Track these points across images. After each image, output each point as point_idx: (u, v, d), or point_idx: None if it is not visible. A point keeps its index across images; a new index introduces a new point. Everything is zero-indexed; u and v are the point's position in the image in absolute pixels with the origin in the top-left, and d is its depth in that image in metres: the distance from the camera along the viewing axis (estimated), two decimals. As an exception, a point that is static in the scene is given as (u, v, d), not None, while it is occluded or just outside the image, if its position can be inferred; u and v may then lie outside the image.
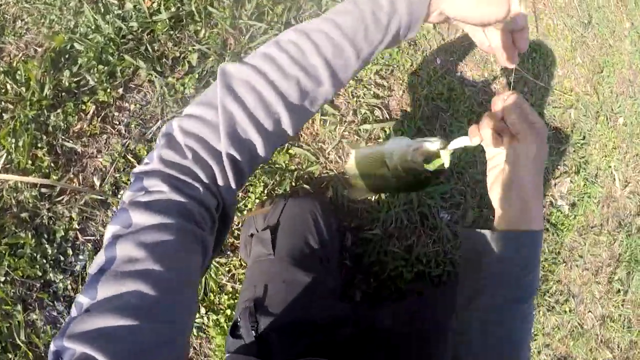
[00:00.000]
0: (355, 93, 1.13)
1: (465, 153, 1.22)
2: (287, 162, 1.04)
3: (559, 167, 1.42)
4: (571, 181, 1.41)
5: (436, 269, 1.15)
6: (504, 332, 0.44)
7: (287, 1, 1.12)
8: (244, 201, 1.01)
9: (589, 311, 1.39)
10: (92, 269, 0.30)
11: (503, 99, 0.45)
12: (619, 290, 1.43)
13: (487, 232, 0.45)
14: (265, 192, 1.01)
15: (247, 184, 1.03)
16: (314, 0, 1.13)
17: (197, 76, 1.06)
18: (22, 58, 1.05)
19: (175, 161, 0.33)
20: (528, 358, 0.46)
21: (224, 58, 1.08)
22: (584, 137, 1.46)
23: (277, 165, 1.04)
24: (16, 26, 1.08)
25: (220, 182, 0.34)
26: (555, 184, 1.41)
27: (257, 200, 0.99)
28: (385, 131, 1.13)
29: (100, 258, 0.30)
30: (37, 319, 1.02)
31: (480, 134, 0.45)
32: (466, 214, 1.20)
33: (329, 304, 0.73)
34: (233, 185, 0.35)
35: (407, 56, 1.23)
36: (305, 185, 1.04)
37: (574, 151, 1.44)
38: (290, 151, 1.04)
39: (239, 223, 1.01)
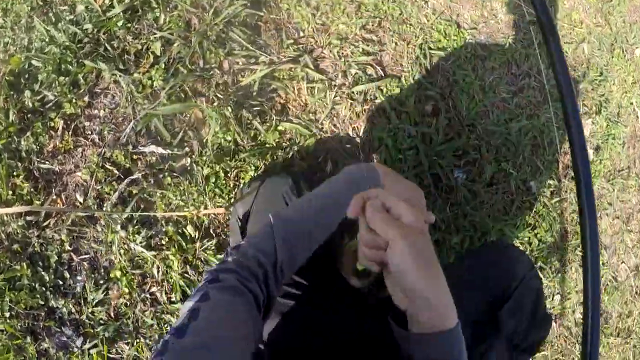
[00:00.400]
0: (342, 53, 1.00)
1: (474, 102, 1.09)
2: (277, 140, 0.94)
3: (579, 106, 1.26)
4: (593, 123, 1.26)
5: (456, 235, 1.04)
6: None
7: (248, -36, 0.99)
8: (235, 189, 0.92)
9: (622, 262, 1.26)
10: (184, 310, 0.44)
11: (360, 210, 0.44)
12: (655, 235, 1.28)
13: (406, 334, 0.44)
14: (256, 175, 0.91)
15: (237, 170, 0.93)
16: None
17: (163, 66, 0.96)
18: (-19, 87, 0.97)
19: (243, 263, 0.49)
20: None
21: (190, 40, 0.97)
22: (601, 73, 1.29)
23: (267, 145, 0.93)
24: (-30, 55, 1.00)
25: (269, 280, 0.50)
26: (578, 124, 1.25)
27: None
28: (381, 90, 1.00)
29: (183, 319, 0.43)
30: (48, 347, 0.98)
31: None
32: (484, 170, 1.07)
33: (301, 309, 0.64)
34: (276, 284, 0.51)
35: (394, 4, 1.09)
36: (300, 162, 0.93)
37: (592, 89, 1.27)
38: (279, 127, 0.94)
39: (229, 214, 0.92)
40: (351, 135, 0.99)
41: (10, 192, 0.97)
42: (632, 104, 1.35)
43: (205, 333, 0.40)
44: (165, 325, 0.96)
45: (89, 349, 0.97)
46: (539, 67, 1.20)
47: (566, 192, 1.19)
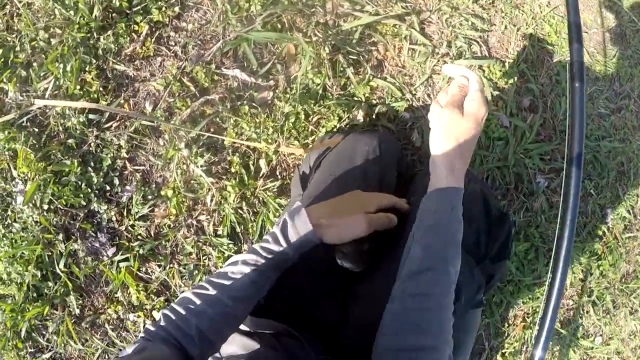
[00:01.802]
0: (451, 22, 0.94)
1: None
2: (367, 94, 0.88)
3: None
4: None
5: (524, 242, 0.97)
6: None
7: None
8: (313, 136, 0.86)
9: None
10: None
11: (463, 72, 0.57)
12: None
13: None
14: (338, 127, 0.85)
15: (319, 116, 0.87)
16: None
17: (266, -10, 0.91)
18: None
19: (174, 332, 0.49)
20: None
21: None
22: None
23: (355, 98, 0.88)
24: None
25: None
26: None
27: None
28: (483, 70, 0.93)
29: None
30: (78, 249, 0.94)
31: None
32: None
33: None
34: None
35: (512, -13, 1.01)
36: (386, 123, 0.87)
37: None
38: (371, 83, 0.88)
39: (301, 159, 0.87)
40: (443, 109, 0.92)
41: (78, 87, 0.93)
42: None
43: None
44: (204, 258, 0.92)
45: (119, 262, 0.93)
46: (641, 91, 1.12)
47: (639, 230, 1.11)
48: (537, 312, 1.01)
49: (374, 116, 0.87)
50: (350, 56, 0.88)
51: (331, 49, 0.88)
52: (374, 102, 0.88)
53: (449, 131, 0.53)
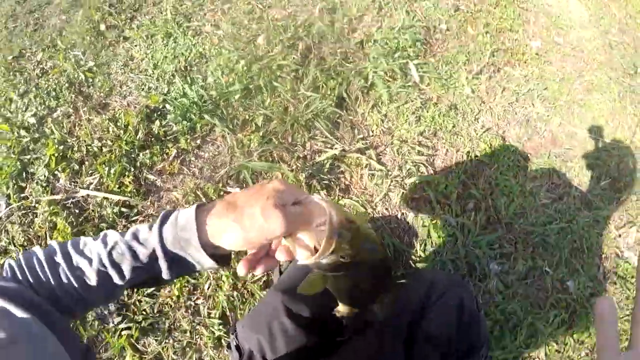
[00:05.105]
0: (401, 151, 1.30)
1: (510, 203, 1.26)
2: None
3: (621, 217, 1.35)
4: (638, 231, 1.33)
5: (487, 321, 1.10)
6: None
7: (338, 77, 1.41)
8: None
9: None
10: None
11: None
12: None
13: None
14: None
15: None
16: (361, 75, 1.41)
17: (261, 134, 1.33)
18: (124, 110, 1.40)
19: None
20: None
21: (285, 121, 1.34)
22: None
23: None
24: (122, 90, 1.46)
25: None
26: (620, 235, 1.33)
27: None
28: (430, 185, 1.24)
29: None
30: (89, 313, 1.10)
31: None
32: (518, 264, 1.18)
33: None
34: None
35: (449, 119, 1.40)
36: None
37: (637, 200, 1.38)
38: (340, 202, 1.20)
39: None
40: (399, 218, 1.21)
41: (117, 187, 1.28)
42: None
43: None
44: (197, 337, 1.10)
45: (121, 330, 1.08)
46: (580, 178, 1.36)
47: (606, 293, 1.20)
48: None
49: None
50: (324, 181, 1.23)
51: (308, 176, 1.23)
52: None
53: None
